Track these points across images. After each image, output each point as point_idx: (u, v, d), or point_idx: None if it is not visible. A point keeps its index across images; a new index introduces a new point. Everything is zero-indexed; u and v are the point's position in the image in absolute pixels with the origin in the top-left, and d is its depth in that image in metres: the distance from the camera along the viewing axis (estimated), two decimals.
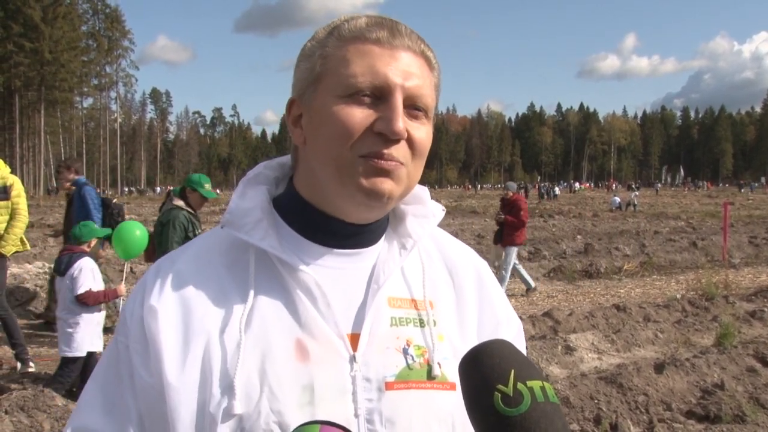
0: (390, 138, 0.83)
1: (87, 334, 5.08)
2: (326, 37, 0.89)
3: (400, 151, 0.85)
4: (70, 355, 5.03)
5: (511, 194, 10.16)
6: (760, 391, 5.21)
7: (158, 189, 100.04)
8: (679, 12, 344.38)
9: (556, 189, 62.11)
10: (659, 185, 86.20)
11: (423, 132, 0.88)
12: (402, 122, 0.83)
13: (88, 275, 5.12)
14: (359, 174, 0.84)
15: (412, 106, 0.86)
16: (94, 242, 5.55)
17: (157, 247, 5.66)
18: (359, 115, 0.83)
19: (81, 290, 5.03)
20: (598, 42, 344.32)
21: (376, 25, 0.86)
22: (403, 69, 0.85)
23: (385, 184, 0.84)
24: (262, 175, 0.98)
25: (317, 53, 0.88)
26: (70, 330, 5.04)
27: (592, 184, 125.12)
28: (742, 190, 74.49)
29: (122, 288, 5.35)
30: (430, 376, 0.87)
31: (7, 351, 6.41)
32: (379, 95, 0.84)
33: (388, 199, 0.86)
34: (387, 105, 0.84)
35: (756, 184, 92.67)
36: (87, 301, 5.03)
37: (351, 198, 0.86)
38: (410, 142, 0.86)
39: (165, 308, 0.85)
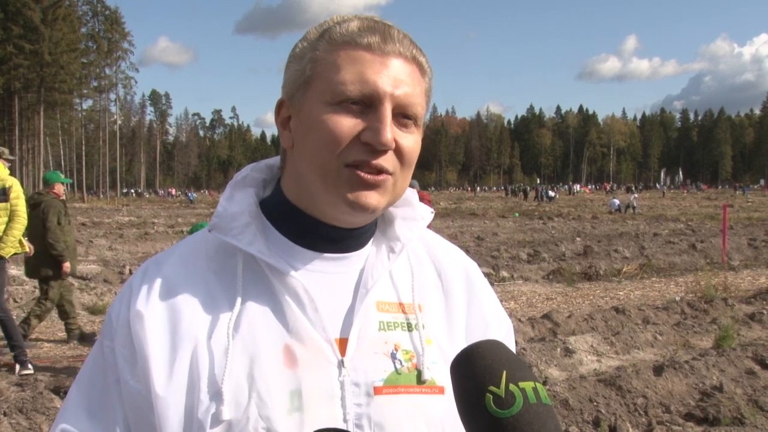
0: (377, 149, 0.82)
1: None
2: (317, 40, 0.87)
3: (387, 161, 0.84)
4: None
5: (415, 191, 10.05)
6: (759, 394, 5.20)
7: (160, 191, 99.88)
8: (680, 14, 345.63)
9: (551, 192, 59.09)
10: (664, 187, 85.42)
11: (411, 140, 0.86)
12: (390, 133, 0.82)
13: None
14: (344, 185, 0.83)
15: (402, 115, 0.85)
16: None
17: None
18: (347, 124, 0.82)
19: None
20: (598, 44, 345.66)
21: (368, 30, 0.85)
22: (394, 77, 0.84)
23: (370, 198, 0.84)
24: (250, 178, 0.97)
25: (308, 56, 0.87)
26: None
27: (592, 186, 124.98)
28: (737, 193, 74.30)
29: None
30: (420, 381, 0.87)
31: (5, 353, 6.41)
32: (368, 104, 0.83)
33: (373, 211, 0.85)
34: (375, 115, 0.82)
35: (751, 187, 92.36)
36: None
37: (336, 207, 0.85)
38: (398, 152, 0.85)
39: (152, 313, 0.85)
